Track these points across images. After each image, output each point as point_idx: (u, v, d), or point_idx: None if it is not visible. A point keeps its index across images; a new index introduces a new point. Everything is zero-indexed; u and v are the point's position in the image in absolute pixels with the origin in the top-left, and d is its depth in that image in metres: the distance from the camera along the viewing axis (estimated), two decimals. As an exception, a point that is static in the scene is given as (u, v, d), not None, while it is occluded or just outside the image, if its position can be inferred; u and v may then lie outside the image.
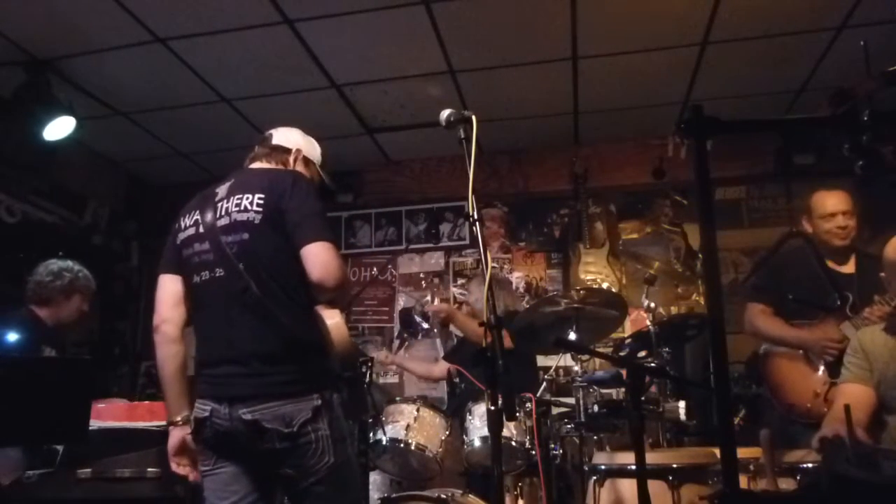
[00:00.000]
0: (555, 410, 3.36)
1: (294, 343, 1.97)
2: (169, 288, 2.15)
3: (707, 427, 3.56)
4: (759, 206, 5.20)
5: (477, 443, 3.00)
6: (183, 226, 2.16)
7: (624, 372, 2.86)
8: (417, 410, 3.13)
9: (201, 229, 2.09)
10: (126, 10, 3.60)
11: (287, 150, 2.30)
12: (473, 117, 1.96)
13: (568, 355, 4.22)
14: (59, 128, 4.13)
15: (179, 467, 2.16)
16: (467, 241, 5.46)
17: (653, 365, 3.08)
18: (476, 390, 3.13)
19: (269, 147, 2.31)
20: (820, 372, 2.92)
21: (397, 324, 5.44)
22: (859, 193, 3.20)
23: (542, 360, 4.24)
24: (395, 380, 5.35)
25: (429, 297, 5.24)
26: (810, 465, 2.30)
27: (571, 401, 3.20)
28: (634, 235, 5.33)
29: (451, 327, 5.24)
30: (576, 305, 3.16)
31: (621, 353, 3.46)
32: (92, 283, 3.52)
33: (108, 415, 2.88)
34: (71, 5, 3.58)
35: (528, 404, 3.01)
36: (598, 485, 2.59)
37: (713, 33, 3.95)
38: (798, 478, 2.31)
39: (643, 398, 2.48)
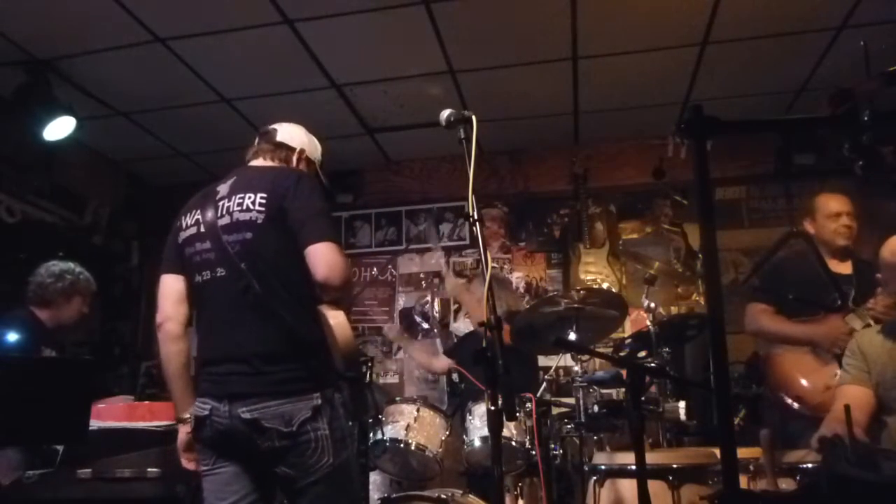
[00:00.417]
0: (555, 410, 3.37)
1: (296, 342, 1.96)
2: (171, 286, 2.14)
3: (707, 427, 3.55)
4: (759, 206, 5.19)
5: (477, 443, 3.00)
6: (184, 225, 2.15)
7: (624, 372, 2.84)
8: (417, 410, 3.12)
9: (202, 228, 2.08)
10: (126, 10, 3.60)
11: (291, 149, 2.28)
12: (473, 117, 1.96)
13: (568, 355, 4.22)
14: (59, 128, 4.13)
15: (190, 463, 2.16)
16: (467, 241, 5.46)
17: (653, 365, 3.07)
18: (476, 390, 3.14)
19: (273, 143, 2.28)
20: (830, 366, 2.89)
21: (397, 323, 5.44)
22: (859, 194, 3.21)
23: (542, 360, 4.24)
24: (395, 380, 5.35)
25: (429, 297, 5.23)
26: (810, 465, 2.29)
27: (571, 401, 3.20)
28: (634, 235, 5.33)
29: (451, 328, 5.26)
30: (576, 305, 3.15)
31: (621, 354, 3.45)
32: (92, 285, 3.52)
33: (108, 415, 2.87)
34: (71, 5, 3.58)
35: (529, 404, 3.00)
36: (598, 485, 2.59)
37: (713, 33, 3.95)
38: (798, 478, 2.30)
39: (643, 398, 2.47)
